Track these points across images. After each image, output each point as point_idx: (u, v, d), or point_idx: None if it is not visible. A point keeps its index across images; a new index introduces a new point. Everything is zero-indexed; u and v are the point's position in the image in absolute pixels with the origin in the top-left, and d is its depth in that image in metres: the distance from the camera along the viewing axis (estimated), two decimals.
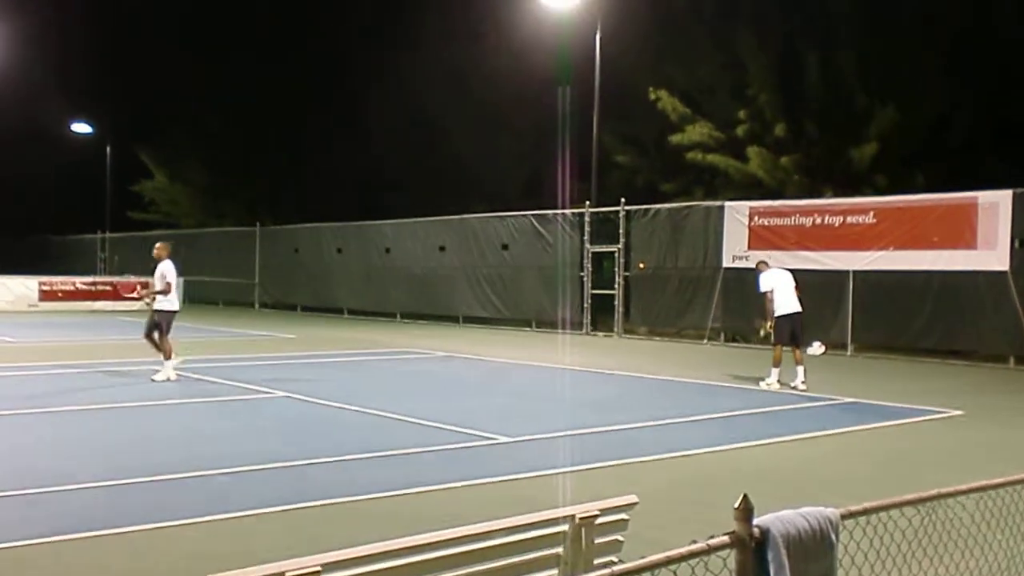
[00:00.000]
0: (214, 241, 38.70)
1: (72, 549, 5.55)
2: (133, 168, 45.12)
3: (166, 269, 13.66)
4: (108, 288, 33.48)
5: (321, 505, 6.59)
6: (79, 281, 33.52)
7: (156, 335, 13.52)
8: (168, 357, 13.36)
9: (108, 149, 47.27)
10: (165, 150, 43.73)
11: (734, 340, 21.46)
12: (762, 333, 14.37)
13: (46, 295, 31.76)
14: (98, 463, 7.91)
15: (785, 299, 13.65)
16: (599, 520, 3.14)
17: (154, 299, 13.80)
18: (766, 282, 13.83)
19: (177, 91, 42.63)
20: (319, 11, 38.69)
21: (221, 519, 6.23)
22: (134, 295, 14.56)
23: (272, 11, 40.33)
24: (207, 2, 43.12)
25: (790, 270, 14.50)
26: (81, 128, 47.77)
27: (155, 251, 13.94)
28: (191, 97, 41.96)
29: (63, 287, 32.58)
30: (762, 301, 13.92)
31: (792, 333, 13.59)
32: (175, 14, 44.85)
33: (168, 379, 13.19)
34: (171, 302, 13.63)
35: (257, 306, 35.39)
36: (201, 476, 7.41)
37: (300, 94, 38.23)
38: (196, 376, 13.94)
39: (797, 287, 13.83)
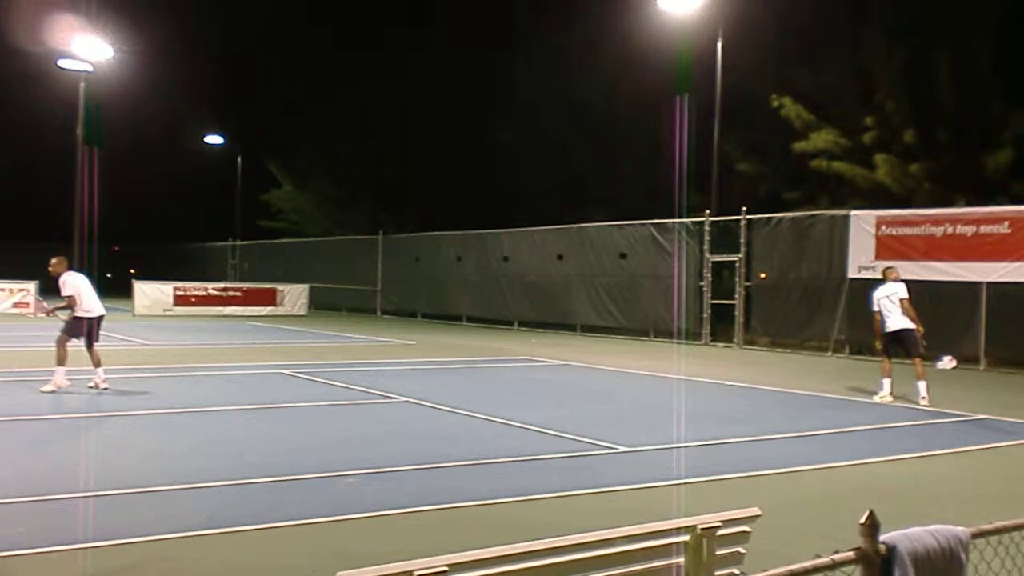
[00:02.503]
0: (338, 249, 39.77)
1: (212, 544, 5.83)
2: (263, 178, 46.79)
3: (66, 282, 12.69)
4: (238, 294, 34.75)
5: (442, 509, 6.73)
6: (211, 287, 34.89)
7: (85, 343, 12.73)
8: (60, 363, 12.31)
9: (239, 160, 49.07)
10: (293, 161, 45.18)
11: (859, 352, 20.89)
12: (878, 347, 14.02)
13: (180, 300, 33.16)
14: (233, 463, 8.26)
15: (892, 316, 13.32)
16: (721, 531, 3.16)
17: (52, 313, 13.19)
18: (874, 299, 13.63)
19: (304, 104, 44.02)
20: (441, 26, 39.36)
21: (348, 519, 6.43)
22: (42, 314, 13.82)
23: (396, 28, 41.25)
24: (335, 19, 44.37)
25: (905, 281, 14.00)
26: (214, 140, 49.71)
27: (51, 269, 13.00)
28: (318, 110, 43.26)
29: (196, 292, 33.95)
30: (874, 318, 13.70)
31: (900, 349, 13.30)
32: (304, 30, 46.28)
33: (55, 388, 12.20)
34: (86, 311, 12.71)
35: (379, 313, 36.14)
36: (329, 477, 7.67)
37: (422, 107, 38.94)
38: (322, 380, 14.36)
39: (907, 300, 13.41)
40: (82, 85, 32.44)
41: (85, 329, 12.65)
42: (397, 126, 40.12)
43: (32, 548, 5.54)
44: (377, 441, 9.60)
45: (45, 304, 13.89)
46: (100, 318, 12.97)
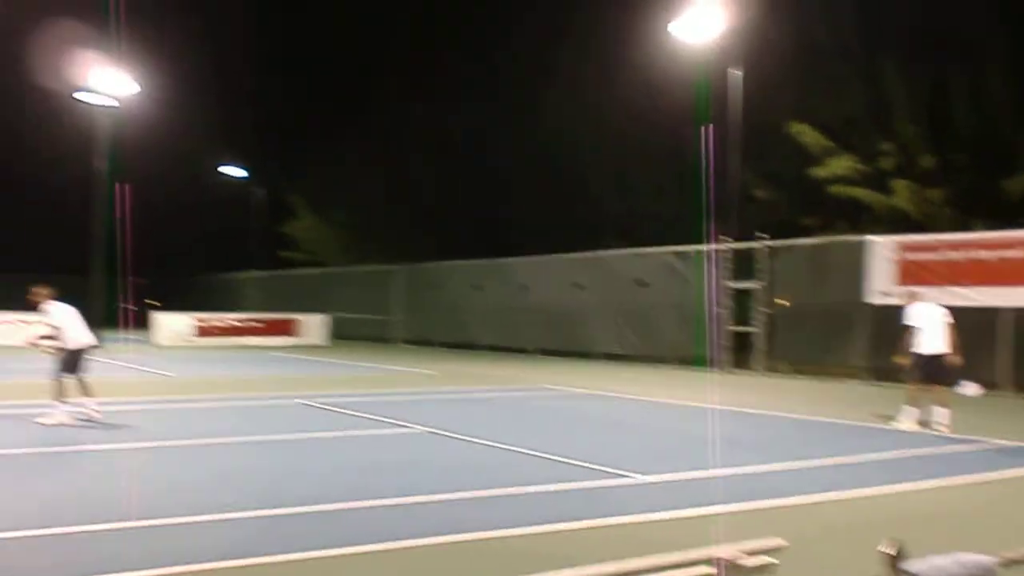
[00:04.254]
0: (357, 279, 39.93)
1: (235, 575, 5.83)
2: (282, 209, 47.07)
3: (48, 312, 12.62)
4: (259, 324, 34.89)
5: (461, 541, 6.70)
6: (232, 318, 35.05)
7: (78, 375, 12.58)
8: (57, 398, 12.24)
9: (258, 191, 49.43)
10: (311, 192, 45.46)
11: (881, 378, 20.75)
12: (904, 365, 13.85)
13: (202, 331, 33.32)
14: (254, 494, 8.24)
15: (930, 337, 13.17)
16: (744, 562, 3.13)
17: (36, 345, 12.91)
18: (912, 316, 13.40)
19: (321, 135, 44.33)
20: (457, 54, 39.63)
21: (368, 551, 6.41)
22: (42, 344, 13.35)
23: (410, 59, 41.58)
24: (351, 50, 44.75)
25: (945, 307, 13.92)
26: (232, 171, 50.11)
27: (32, 297, 12.77)
28: (335, 140, 43.55)
29: (217, 323, 34.11)
30: (903, 334, 13.48)
31: (931, 373, 13.11)
32: (319, 62, 46.71)
33: (62, 423, 11.99)
34: (66, 341, 12.54)
35: (397, 342, 36.19)
36: (352, 508, 7.66)
37: (436, 135, 39.16)
38: (341, 410, 14.37)
39: (951, 327, 13.28)
40: (104, 119, 32.81)
41: (72, 360, 12.48)
42: (415, 155, 40.34)
43: None
44: (396, 471, 9.58)
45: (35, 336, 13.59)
46: (87, 348, 12.72)
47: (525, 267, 30.84)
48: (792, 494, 8.49)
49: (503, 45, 36.88)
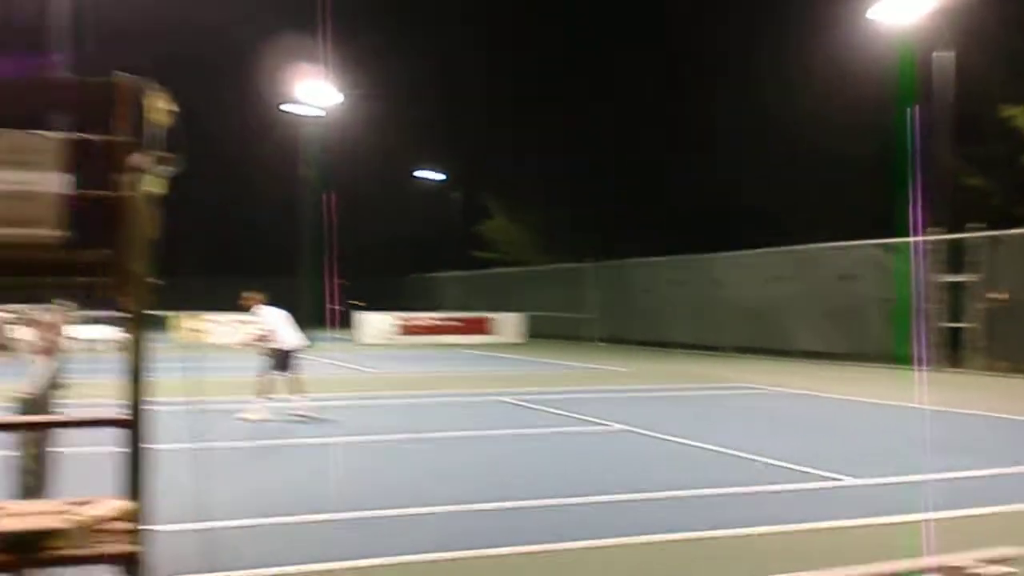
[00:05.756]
0: (551, 277, 40.32)
1: (447, 570, 6.00)
2: (477, 210, 48.19)
3: (258, 316, 13.41)
4: (457, 323, 35.82)
5: (664, 541, 6.66)
6: (431, 316, 36.15)
7: (286, 374, 13.22)
8: (263, 395, 12.88)
9: (454, 194, 50.78)
10: (505, 192, 46.27)
11: None
12: None
13: (404, 329, 34.59)
14: (471, 488, 8.47)
15: None
16: (979, 571, 2.97)
17: (247, 347, 13.88)
18: None
19: (515, 135, 45.02)
20: (652, 50, 39.37)
21: (575, 547, 6.45)
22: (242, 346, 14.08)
23: (602, 55, 41.62)
24: (545, 49, 45.24)
25: None
26: (430, 175, 51.65)
27: (243, 302, 13.59)
28: (528, 141, 44.15)
29: (417, 322, 35.29)
30: None
31: None
32: (514, 63, 47.42)
33: (264, 419, 12.60)
34: (277, 342, 13.20)
35: (593, 340, 36.29)
36: (571, 504, 7.76)
37: (634, 131, 39.03)
38: (538, 407, 14.56)
39: None
40: (310, 128, 34.54)
41: (281, 360, 13.16)
42: (608, 150, 40.37)
43: (287, 565, 5.87)
44: (595, 469, 9.61)
45: (248, 336, 14.52)
46: (296, 350, 13.33)
47: (722, 263, 30.27)
48: (1017, 501, 7.98)
49: (709, 34, 36.24)
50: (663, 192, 38.12)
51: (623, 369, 23.32)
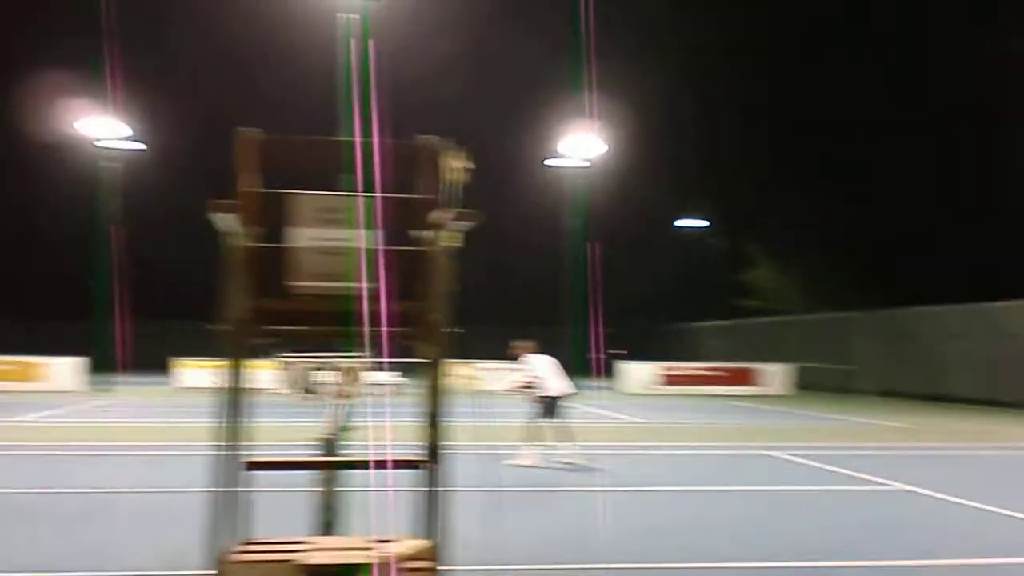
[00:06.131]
0: (817, 327, 38.89)
1: None
2: (739, 258, 47.30)
3: (526, 364, 13.70)
4: (721, 373, 35.17)
5: None
6: (695, 366, 35.71)
7: (554, 420, 13.41)
8: (530, 442, 13.25)
9: (716, 242, 50.11)
10: (769, 241, 45.14)
11: None
12: None
13: (667, 379, 34.36)
14: (741, 543, 8.28)
15: None
16: None
17: (514, 392, 14.05)
18: None
19: (780, 184, 43.96)
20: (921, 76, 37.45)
21: None
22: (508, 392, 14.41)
23: (866, 94, 40.00)
24: (804, 97, 44.12)
25: None
26: (694, 223, 51.31)
27: (513, 351, 14.01)
28: (794, 190, 42.97)
29: (680, 372, 34.96)
30: None
31: None
32: (773, 113, 46.54)
33: (533, 465, 12.95)
34: (544, 389, 13.44)
35: (862, 392, 34.50)
36: (847, 567, 7.43)
37: (904, 176, 37.15)
38: (808, 463, 13.99)
39: None
40: (575, 181, 35.30)
41: (548, 407, 13.41)
42: (872, 202, 38.58)
43: None
44: (876, 531, 9.09)
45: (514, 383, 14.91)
46: (562, 397, 13.51)
47: (1015, 312, 27.98)
48: None
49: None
50: (941, 235, 35.88)
51: (901, 424, 21.97)
